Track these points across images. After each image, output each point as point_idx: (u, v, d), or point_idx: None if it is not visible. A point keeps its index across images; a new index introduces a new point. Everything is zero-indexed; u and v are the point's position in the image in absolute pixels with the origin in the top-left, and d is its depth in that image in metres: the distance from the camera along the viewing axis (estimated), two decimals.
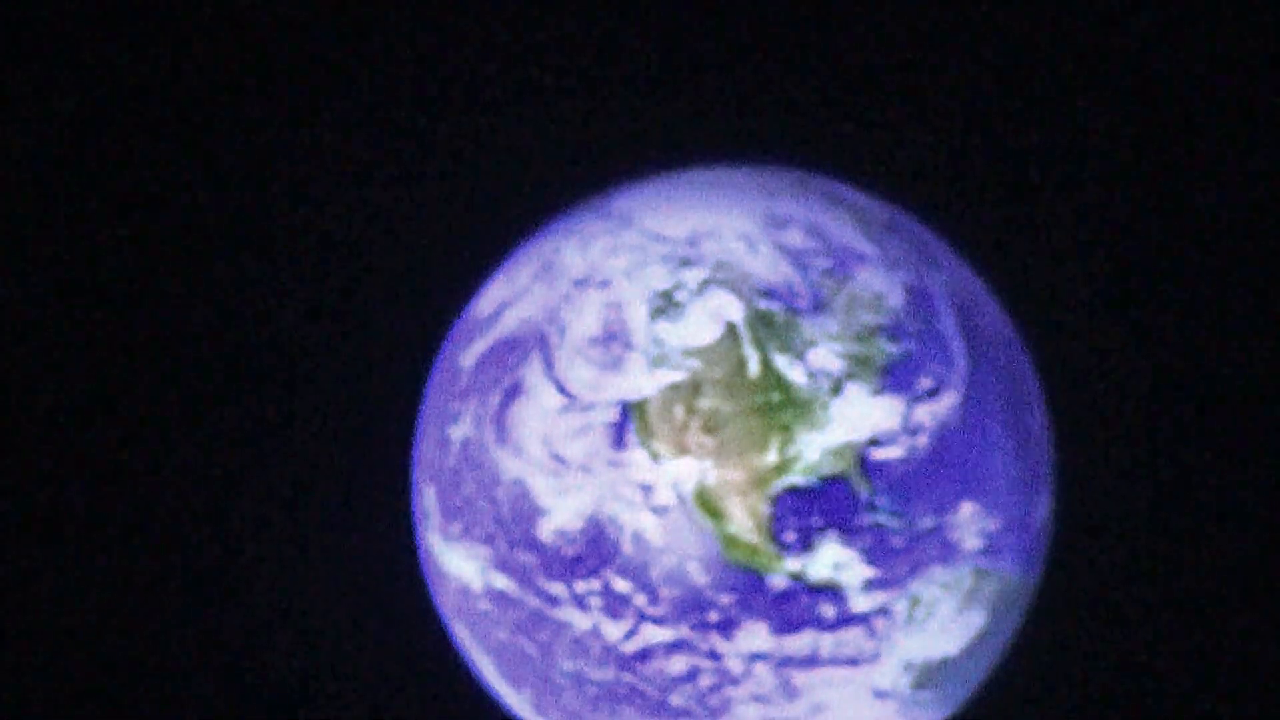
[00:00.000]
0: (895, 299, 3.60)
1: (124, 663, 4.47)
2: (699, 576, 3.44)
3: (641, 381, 3.48)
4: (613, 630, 3.51)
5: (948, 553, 3.53)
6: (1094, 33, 4.46)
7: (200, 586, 4.51)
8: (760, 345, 3.47)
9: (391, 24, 4.50)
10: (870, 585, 3.47)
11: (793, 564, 3.43)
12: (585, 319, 3.58)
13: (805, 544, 3.43)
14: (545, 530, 3.53)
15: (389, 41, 4.51)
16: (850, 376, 3.47)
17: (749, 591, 3.44)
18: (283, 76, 4.50)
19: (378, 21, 4.50)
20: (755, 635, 3.47)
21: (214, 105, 4.50)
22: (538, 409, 3.56)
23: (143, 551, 4.50)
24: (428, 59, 4.52)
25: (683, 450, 3.43)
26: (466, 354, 3.77)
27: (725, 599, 3.45)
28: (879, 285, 3.60)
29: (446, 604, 3.86)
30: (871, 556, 3.46)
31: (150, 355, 4.51)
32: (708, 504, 3.43)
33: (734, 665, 3.50)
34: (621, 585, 3.47)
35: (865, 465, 3.45)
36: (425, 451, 3.85)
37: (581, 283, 3.64)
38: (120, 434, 4.49)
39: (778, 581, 3.44)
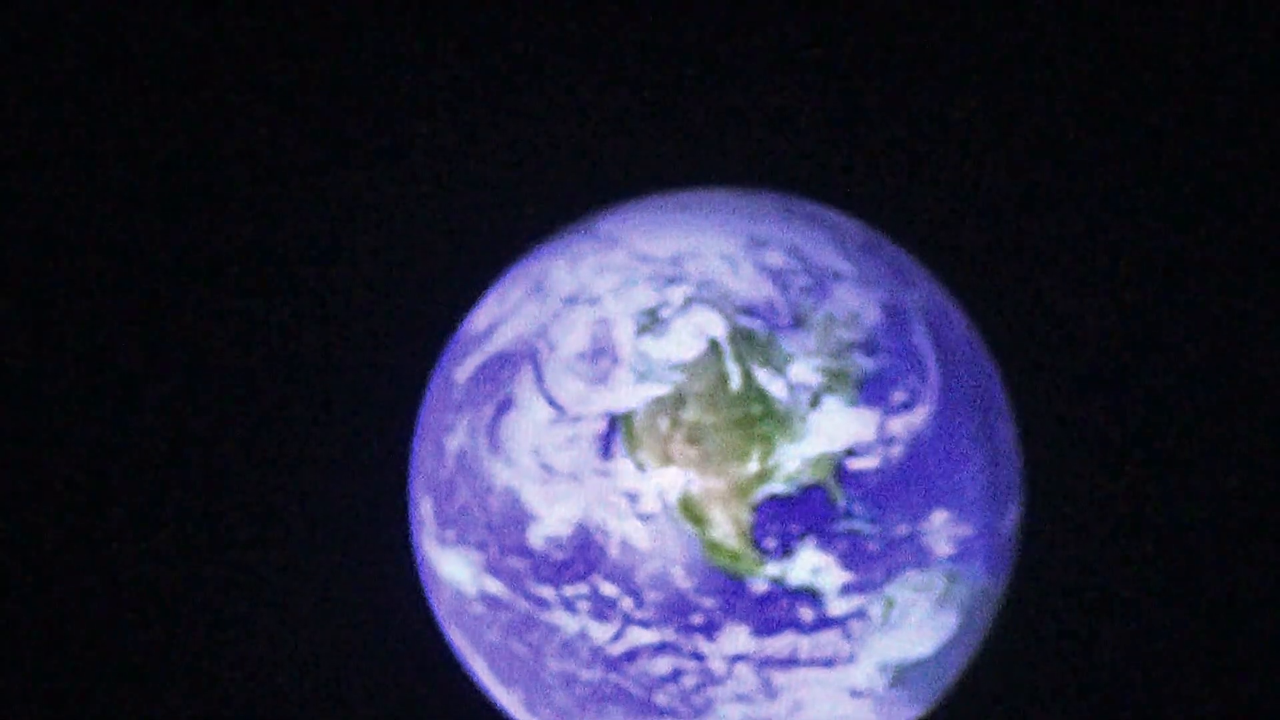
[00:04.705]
0: (871, 316, 3.63)
1: (125, 666, 4.46)
2: (683, 581, 3.47)
3: (628, 395, 3.51)
4: (600, 632, 3.54)
5: (921, 558, 3.56)
6: (1054, 61, 4.47)
7: (211, 589, 4.49)
8: (742, 360, 3.50)
9: (396, 57, 4.50)
10: (847, 589, 3.50)
11: (773, 568, 3.46)
12: (574, 335, 3.61)
13: (785, 549, 3.46)
14: (535, 536, 3.55)
15: (395, 75, 4.51)
16: (828, 390, 3.50)
17: (731, 595, 3.47)
18: (286, 103, 4.50)
19: (381, 53, 4.51)
20: (737, 637, 3.50)
21: (222, 134, 4.50)
22: (529, 421, 3.58)
23: (159, 551, 4.50)
24: (430, 92, 4.52)
25: (667, 460, 3.46)
26: (461, 369, 3.79)
27: (708, 602, 3.47)
28: (855, 303, 3.63)
29: (441, 607, 3.88)
30: (848, 561, 3.49)
31: (173, 369, 4.50)
32: (691, 511, 3.45)
33: (717, 666, 3.52)
34: (608, 589, 3.50)
35: (842, 475, 3.48)
36: (422, 461, 3.86)
37: (571, 301, 3.66)
38: (156, 443, 4.50)
39: (758, 585, 3.47)
